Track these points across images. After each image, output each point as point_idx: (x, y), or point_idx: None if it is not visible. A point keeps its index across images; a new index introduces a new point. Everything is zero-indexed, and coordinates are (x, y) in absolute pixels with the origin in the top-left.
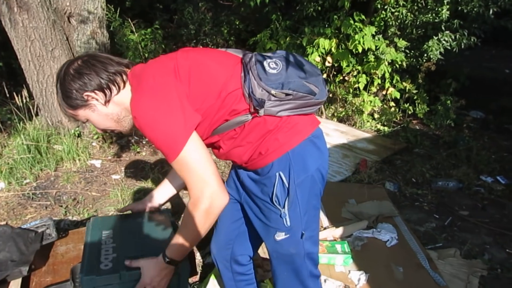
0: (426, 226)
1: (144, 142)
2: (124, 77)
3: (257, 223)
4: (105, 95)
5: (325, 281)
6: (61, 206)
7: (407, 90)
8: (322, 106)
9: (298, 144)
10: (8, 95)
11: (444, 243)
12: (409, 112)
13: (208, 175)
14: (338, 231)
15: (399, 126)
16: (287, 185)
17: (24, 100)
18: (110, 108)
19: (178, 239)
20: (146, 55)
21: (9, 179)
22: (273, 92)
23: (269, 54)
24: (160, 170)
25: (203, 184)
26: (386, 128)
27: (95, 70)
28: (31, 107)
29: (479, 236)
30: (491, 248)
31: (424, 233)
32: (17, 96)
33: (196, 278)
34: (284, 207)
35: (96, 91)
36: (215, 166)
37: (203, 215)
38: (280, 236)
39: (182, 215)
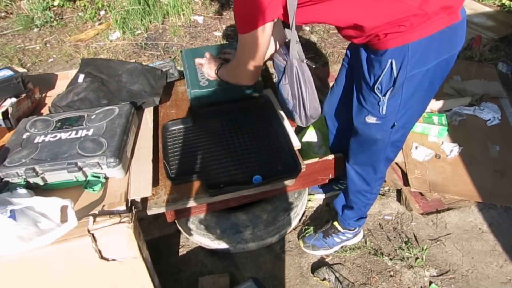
0: None
1: None
2: None
3: (355, 98)
4: None
5: (416, 148)
6: (170, 57)
7: None
8: None
9: (426, 37)
10: None
11: None
12: None
13: (248, 63)
14: (437, 104)
15: None
16: (395, 76)
17: None
18: None
19: (223, 71)
20: None
21: (123, 29)
22: None
23: None
24: None
25: (242, 65)
26: None
27: None
28: None
29: None
30: None
31: None
32: None
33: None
34: (385, 95)
35: None
36: (262, 60)
37: (232, 75)
38: (371, 120)
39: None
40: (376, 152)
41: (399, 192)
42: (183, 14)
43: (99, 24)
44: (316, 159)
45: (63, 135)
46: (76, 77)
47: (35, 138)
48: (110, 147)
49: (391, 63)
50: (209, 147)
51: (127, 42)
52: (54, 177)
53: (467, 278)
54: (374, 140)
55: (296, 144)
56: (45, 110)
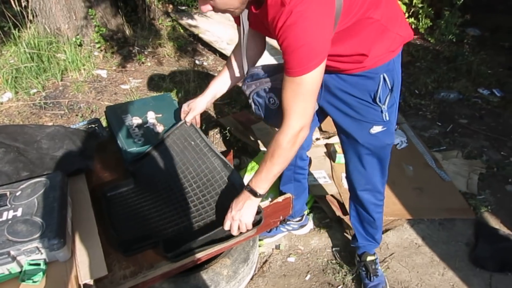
0: (430, 132)
1: (146, 53)
2: None
3: (345, 120)
4: None
5: (345, 177)
6: (77, 115)
7: (413, 4)
8: None
9: (400, 51)
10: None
11: (447, 146)
12: (412, 27)
13: (309, 108)
14: None
15: None
16: (390, 86)
17: (23, 4)
18: None
19: (263, 169)
20: None
21: (16, 88)
22: None
23: None
24: (172, 79)
25: (301, 115)
26: None
27: None
28: (24, 13)
29: (478, 141)
30: (488, 151)
31: (429, 138)
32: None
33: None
34: (384, 104)
35: None
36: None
37: (289, 141)
38: (377, 129)
39: (269, 146)
40: (386, 157)
41: (340, 222)
42: (84, 69)
43: None
44: (267, 203)
45: None
46: None
47: None
48: (50, 226)
49: (384, 77)
50: (159, 207)
51: (23, 103)
52: None
53: None
54: (383, 147)
55: None
56: None
